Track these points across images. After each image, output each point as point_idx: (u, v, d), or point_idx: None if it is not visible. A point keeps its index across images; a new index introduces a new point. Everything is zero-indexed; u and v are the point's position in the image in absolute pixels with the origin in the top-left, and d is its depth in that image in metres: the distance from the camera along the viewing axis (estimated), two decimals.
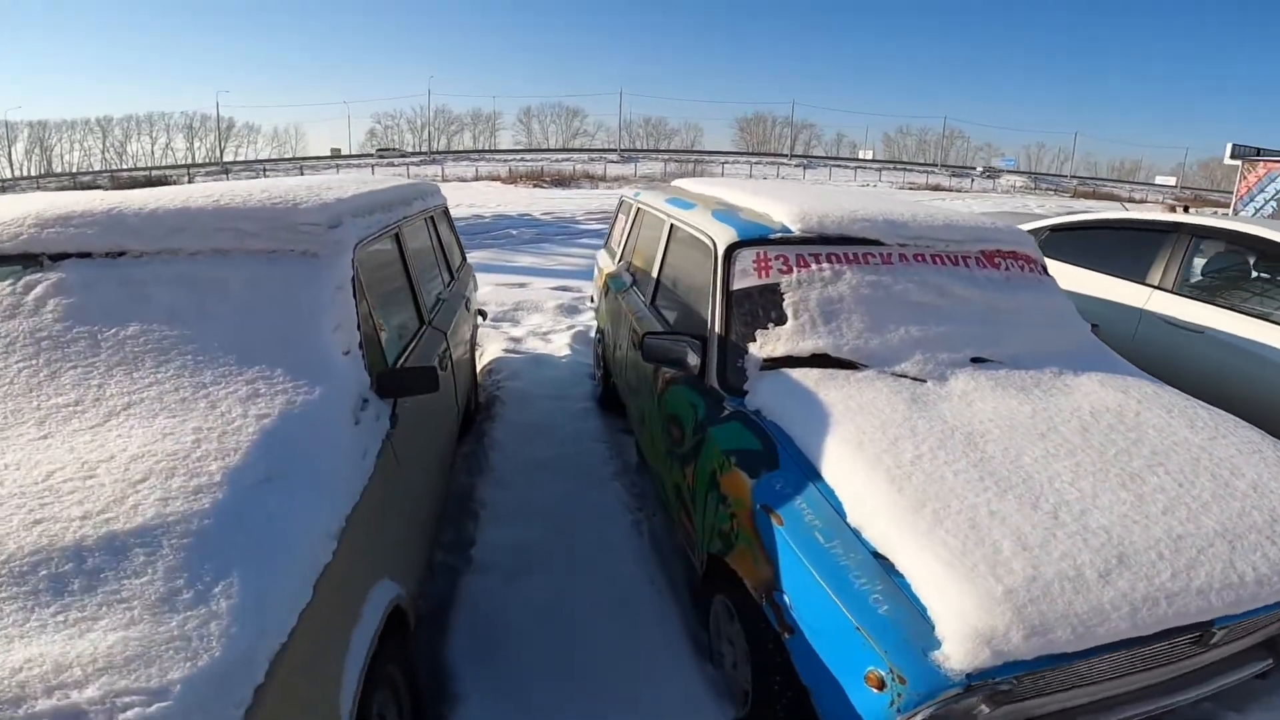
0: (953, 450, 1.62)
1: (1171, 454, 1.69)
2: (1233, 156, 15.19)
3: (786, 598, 1.47)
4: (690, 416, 2.12)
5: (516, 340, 5.25)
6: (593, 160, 50.83)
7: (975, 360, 2.08)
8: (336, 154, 62.27)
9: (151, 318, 1.64)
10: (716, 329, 2.17)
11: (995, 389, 1.93)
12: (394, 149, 63.04)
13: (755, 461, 1.76)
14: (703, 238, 2.48)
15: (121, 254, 1.78)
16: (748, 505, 1.68)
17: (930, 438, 1.66)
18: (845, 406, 1.79)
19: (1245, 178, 14.11)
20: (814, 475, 1.65)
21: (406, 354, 2.25)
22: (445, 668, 1.95)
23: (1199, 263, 3.61)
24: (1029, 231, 3.17)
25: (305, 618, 1.08)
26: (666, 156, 57.25)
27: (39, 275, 1.71)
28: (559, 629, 2.11)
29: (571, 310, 6.21)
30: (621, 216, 4.20)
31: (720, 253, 2.29)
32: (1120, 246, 3.80)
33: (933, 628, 1.26)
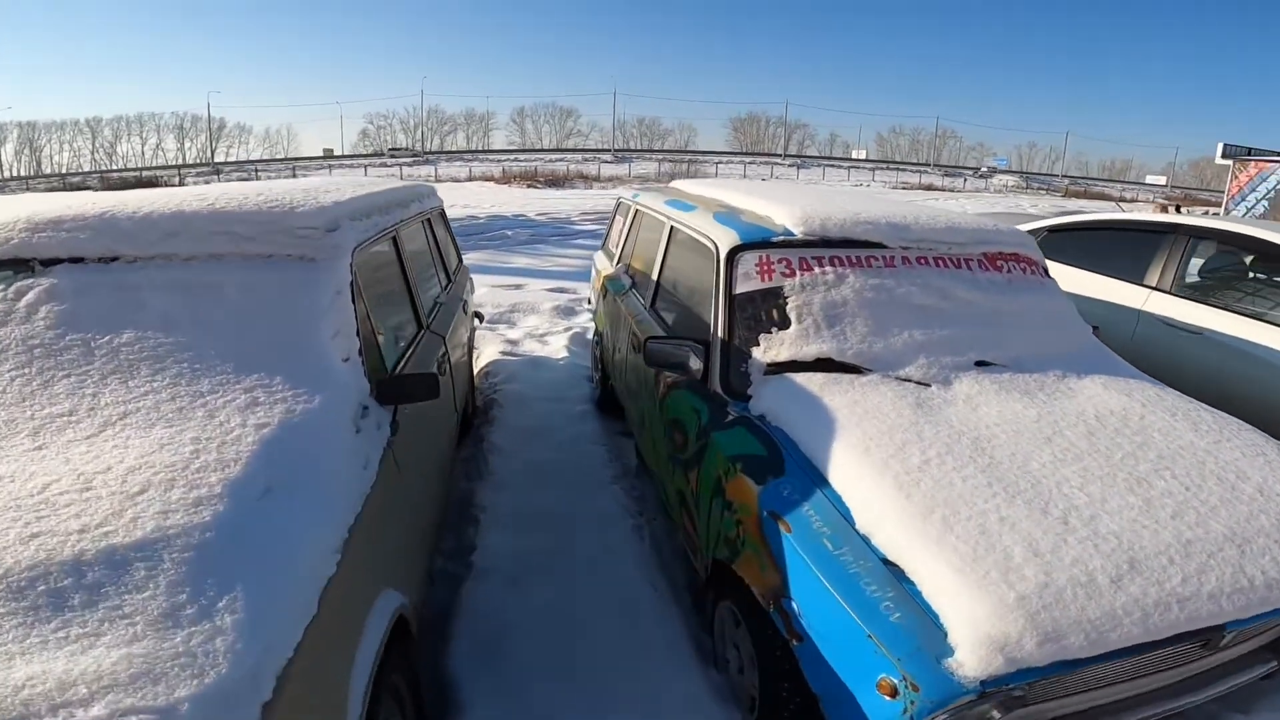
0: (960, 455, 1.61)
1: (1177, 458, 1.68)
2: (1224, 156, 15.33)
3: (795, 605, 1.46)
4: (693, 421, 2.11)
5: (513, 342, 5.23)
6: (587, 160, 50.81)
7: (979, 364, 2.08)
8: (329, 154, 62.18)
9: (146, 324, 1.61)
10: (719, 333, 2.16)
11: (1000, 393, 1.92)
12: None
13: (761, 467, 1.75)
14: (704, 240, 2.46)
15: (115, 259, 1.75)
16: (754, 512, 1.66)
17: (937, 443, 1.65)
18: (850, 411, 1.78)
19: (1236, 177, 14.22)
20: (821, 481, 1.63)
21: (405, 359, 2.23)
22: (448, 675, 1.93)
23: (1196, 264, 3.62)
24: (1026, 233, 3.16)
25: (311, 632, 1.06)
26: (660, 157, 57.26)
27: (30, 281, 1.68)
28: (561, 634, 2.09)
29: (568, 312, 6.19)
30: (620, 218, 4.18)
31: (723, 256, 2.27)
32: (1118, 247, 3.80)
33: (945, 635, 1.25)
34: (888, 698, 1.23)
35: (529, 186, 30.90)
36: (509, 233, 12.17)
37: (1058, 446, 1.68)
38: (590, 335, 4.83)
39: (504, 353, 4.91)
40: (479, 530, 2.63)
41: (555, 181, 33.66)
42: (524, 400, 3.97)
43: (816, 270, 2.20)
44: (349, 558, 1.27)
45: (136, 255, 1.76)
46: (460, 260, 4.24)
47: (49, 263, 1.73)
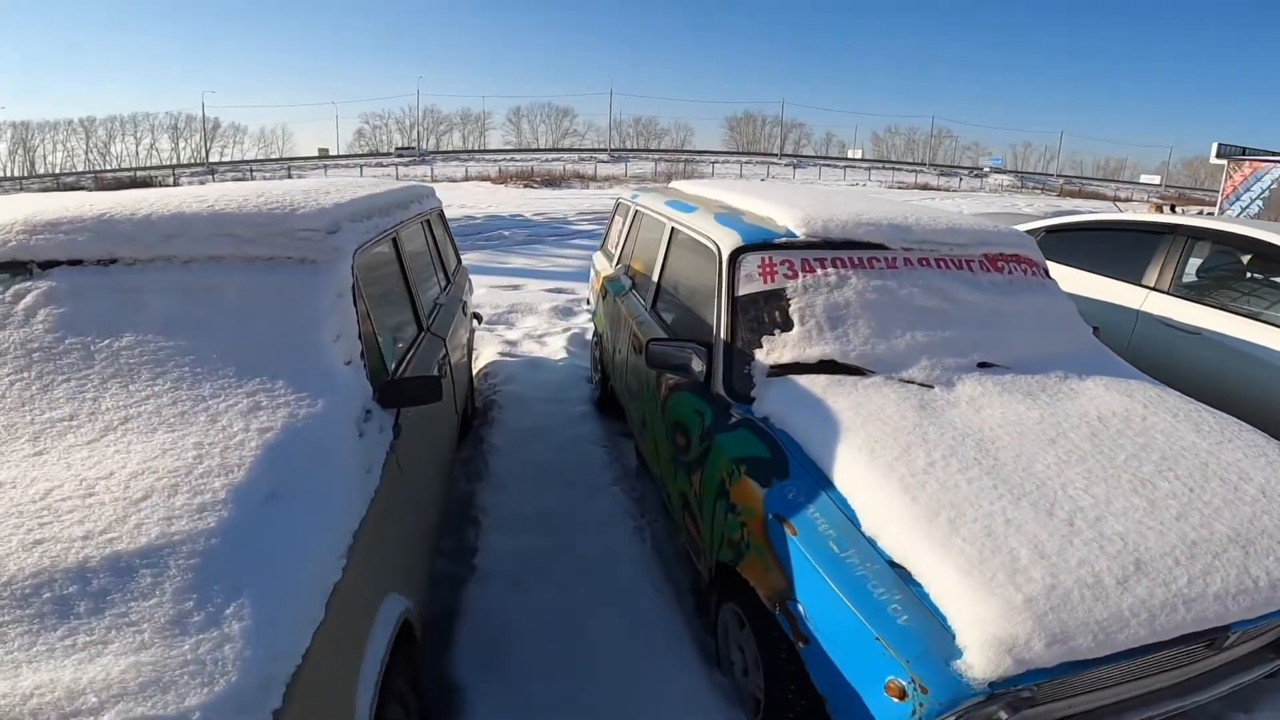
0: (964, 457, 1.61)
1: (1180, 459, 1.69)
2: (1218, 155, 15.37)
3: (801, 607, 1.46)
4: (696, 423, 2.11)
5: (512, 343, 5.21)
6: (583, 160, 50.81)
7: (981, 365, 2.08)
8: (324, 154, 62.06)
9: (146, 328, 1.59)
10: (722, 335, 2.15)
11: (1003, 394, 1.93)
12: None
13: (765, 470, 1.74)
14: (706, 242, 2.46)
15: (113, 261, 1.73)
16: (759, 514, 1.66)
17: (941, 445, 1.65)
18: (854, 413, 1.78)
19: (1231, 176, 14.27)
20: (826, 484, 1.63)
21: (406, 362, 2.22)
22: (451, 678, 1.92)
23: (1194, 264, 3.63)
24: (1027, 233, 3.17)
25: (319, 638, 1.05)
26: (657, 156, 57.30)
27: (29, 284, 1.66)
28: (563, 636, 2.09)
29: (566, 312, 6.18)
30: (619, 219, 4.17)
31: (725, 257, 2.27)
32: (1116, 248, 3.81)
33: (953, 637, 1.25)
34: (896, 699, 1.23)
35: (525, 186, 30.88)
36: (506, 233, 12.15)
37: (1061, 448, 1.68)
38: (589, 336, 4.82)
39: (503, 354, 4.90)
40: (480, 532, 2.62)
41: (552, 181, 33.64)
42: (523, 401, 3.96)
43: (819, 272, 2.20)
44: (354, 562, 1.26)
45: (136, 258, 1.74)
46: (459, 261, 4.22)
47: (47, 265, 1.72)
